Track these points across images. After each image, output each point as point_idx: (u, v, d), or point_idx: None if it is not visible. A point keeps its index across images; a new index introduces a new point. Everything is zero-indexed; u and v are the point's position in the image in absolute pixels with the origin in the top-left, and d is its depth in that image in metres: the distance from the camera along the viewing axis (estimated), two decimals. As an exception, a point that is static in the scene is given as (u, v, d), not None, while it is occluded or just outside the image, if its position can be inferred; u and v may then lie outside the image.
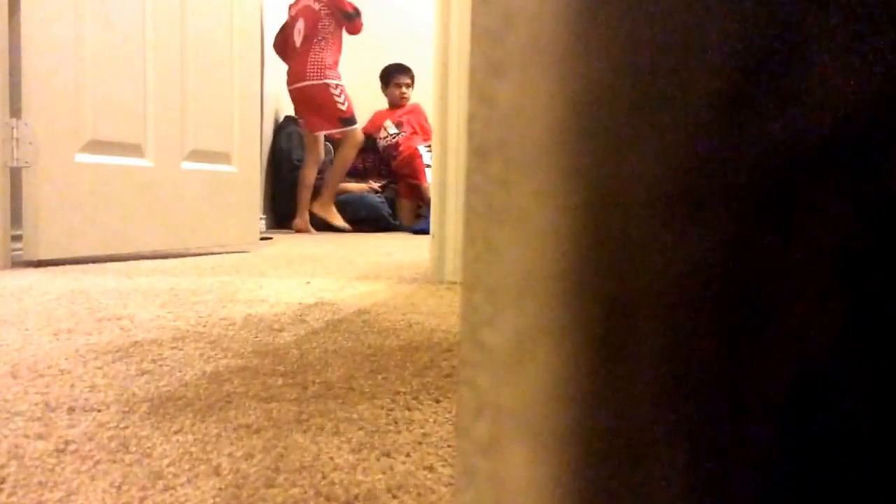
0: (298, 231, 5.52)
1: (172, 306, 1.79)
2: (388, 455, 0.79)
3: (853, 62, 0.28)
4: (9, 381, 1.06)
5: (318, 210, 5.65)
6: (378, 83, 6.29)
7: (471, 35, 0.39)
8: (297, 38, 5.39)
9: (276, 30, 5.68)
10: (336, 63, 5.44)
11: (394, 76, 6.19)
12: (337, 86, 5.38)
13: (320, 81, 5.32)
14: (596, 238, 0.33)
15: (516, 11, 0.36)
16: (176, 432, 0.85)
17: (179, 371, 1.13)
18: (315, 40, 5.34)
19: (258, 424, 0.88)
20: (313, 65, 5.32)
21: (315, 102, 5.38)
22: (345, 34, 5.46)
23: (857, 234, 0.29)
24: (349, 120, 5.47)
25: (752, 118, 0.30)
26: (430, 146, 5.40)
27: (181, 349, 1.30)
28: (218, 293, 2.05)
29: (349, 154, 5.57)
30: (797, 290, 0.29)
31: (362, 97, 6.09)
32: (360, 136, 5.65)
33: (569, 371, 0.34)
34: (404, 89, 6.19)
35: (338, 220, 5.67)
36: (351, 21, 5.38)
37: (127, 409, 0.93)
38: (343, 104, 5.43)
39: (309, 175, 5.57)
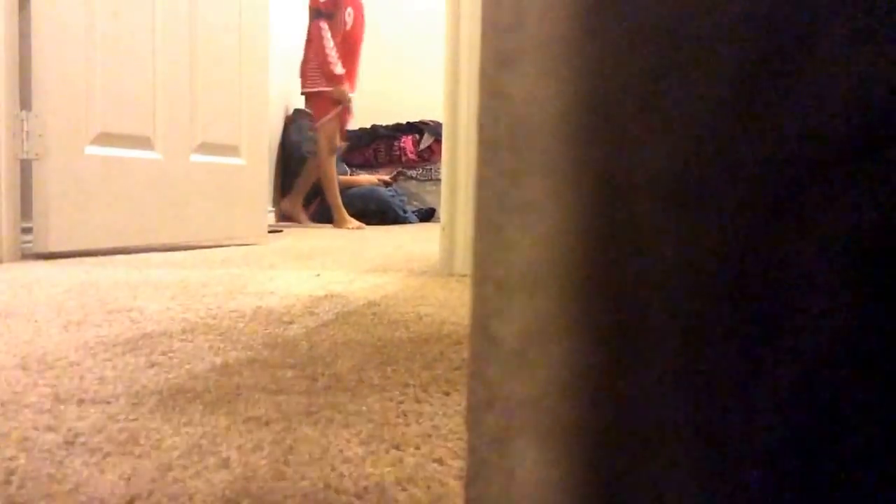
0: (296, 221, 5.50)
1: (182, 298, 1.79)
2: (397, 447, 0.79)
3: (864, 55, 0.28)
4: (18, 373, 1.06)
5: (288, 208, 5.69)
6: (385, 80, 6.24)
7: (481, 28, 0.38)
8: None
9: (283, 23, 5.66)
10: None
11: None
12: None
13: None
14: (606, 231, 0.33)
15: (527, 5, 0.36)
16: (185, 424, 0.85)
17: (189, 363, 1.13)
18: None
19: (267, 417, 0.88)
20: None
21: None
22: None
23: (868, 227, 0.28)
24: None
25: (764, 110, 0.30)
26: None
27: (191, 341, 1.30)
28: (227, 285, 2.05)
29: None
30: (808, 283, 0.29)
31: (371, 93, 6.09)
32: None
33: (579, 364, 0.34)
34: None
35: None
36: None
37: (136, 401, 0.93)
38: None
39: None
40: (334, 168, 5.43)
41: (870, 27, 0.28)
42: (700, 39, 0.31)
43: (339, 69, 5.21)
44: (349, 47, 5.30)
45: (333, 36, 5.21)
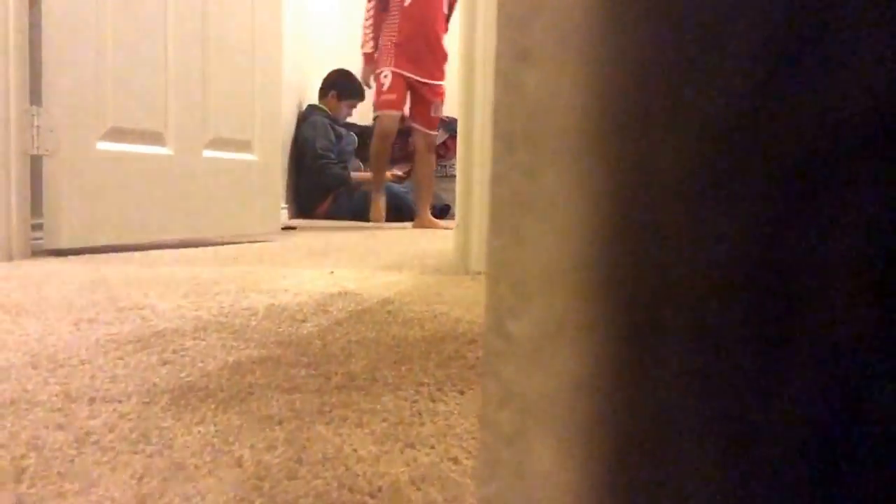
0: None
1: (194, 296, 1.79)
2: (411, 447, 0.79)
3: (884, 44, 0.28)
4: (29, 371, 1.06)
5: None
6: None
7: (497, 21, 0.38)
8: None
9: (295, 18, 5.61)
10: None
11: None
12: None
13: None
14: (624, 227, 0.33)
15: (544, -5, 0.35)
16: (197, 423, 0.84)
17: (201, 361, 1.13)
18: None
19: (281, 416, 0.87)
20: None
21: None
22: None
23: (889, 221, 0.28)
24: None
25: (786, 106, 0.29)
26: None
27: (203, 339, 1.30)
28: (240, 283, 2.05)
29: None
30: (830, 280, 0.29)
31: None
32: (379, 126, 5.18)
33: (595, 362, 0.33)
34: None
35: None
36: None
37: (148, 399, 0.93)
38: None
39: None
40: (384, 161, 5.28)
41: (890, 16, 0.28)
42: (722, 32, 0.30)
43: (366, 47, 4.99)
44: (410, 27, 4.90)
45: (392, 14, 4.90)
